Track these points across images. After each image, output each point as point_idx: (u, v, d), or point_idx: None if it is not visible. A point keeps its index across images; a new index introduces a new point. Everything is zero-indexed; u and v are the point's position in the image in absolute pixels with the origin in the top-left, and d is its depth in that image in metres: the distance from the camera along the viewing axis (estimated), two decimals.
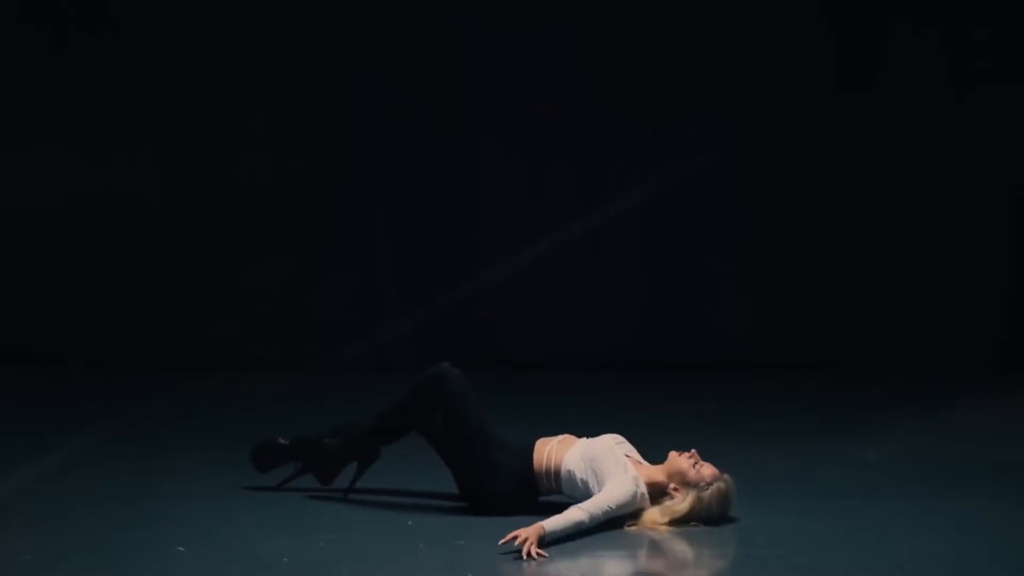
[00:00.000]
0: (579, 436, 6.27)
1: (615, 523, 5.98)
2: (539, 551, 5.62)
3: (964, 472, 7.28)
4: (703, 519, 6.03)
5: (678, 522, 5.99)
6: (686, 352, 10.72)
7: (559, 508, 5.92)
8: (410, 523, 6.07)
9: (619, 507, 5.98)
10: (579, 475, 6.11)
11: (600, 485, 6.03)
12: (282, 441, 6.48)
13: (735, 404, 9.45)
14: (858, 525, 6.13)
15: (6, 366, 10.35)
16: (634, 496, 6.02)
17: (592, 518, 5.90)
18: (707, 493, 6.02)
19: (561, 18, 10.83)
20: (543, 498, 6.22)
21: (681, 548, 5.85)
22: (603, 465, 6.06)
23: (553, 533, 5.76)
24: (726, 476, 6.10)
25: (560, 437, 6.25)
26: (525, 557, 5.58)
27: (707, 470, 6.07)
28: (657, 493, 6.08)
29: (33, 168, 10.82)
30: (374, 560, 5.56)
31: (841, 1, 10.79)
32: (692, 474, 6.05)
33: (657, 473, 6.12)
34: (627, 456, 6.16)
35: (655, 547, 5.86)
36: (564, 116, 10.83)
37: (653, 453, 6.26)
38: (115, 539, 5.78)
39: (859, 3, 10.78)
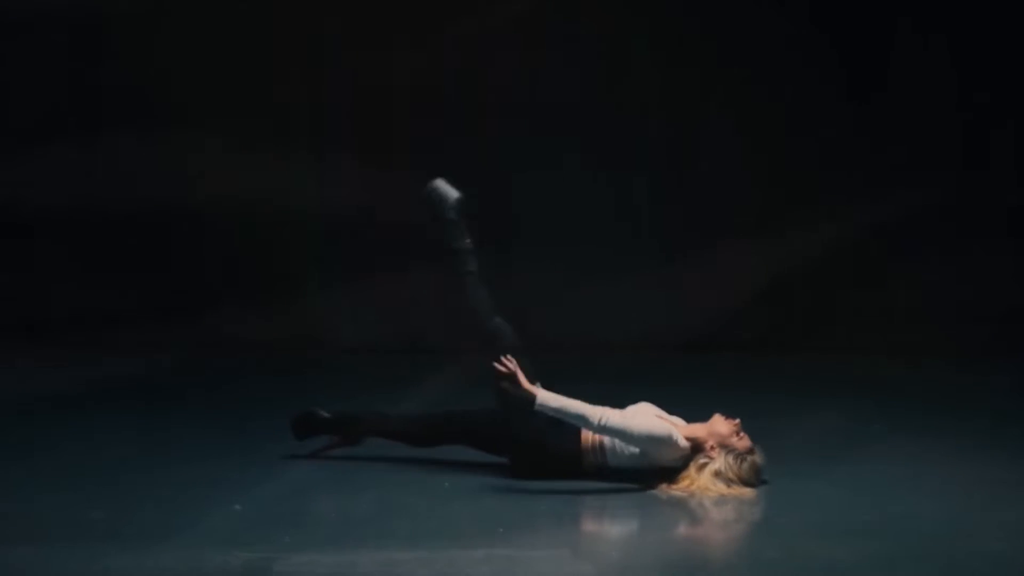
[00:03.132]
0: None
1: (657, 476, 6.35)
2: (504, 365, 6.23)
3: (959, 441, 7.69)
4: (738, 482, 6.33)
5: (714, 482, 6.28)
6: (700, 334, 11.18)
7: (590, 489, 6.37)
8: (447, 485, 6.49)
9: (648, 434, 6.28)
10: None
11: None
12: (324, 414, 6.95)
13: (742, 382, 9.79)
14: (858, 487, 6.55)
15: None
16: (670, 435, 6.30)
17: (602, 422, 6.26)
18: (745, 463, 6.32)
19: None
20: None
21: (702, 510, 6.19)
22: (639, 419, 6.37)
23: (544, 405, 6.25)
24: (758, 449, 6.41)
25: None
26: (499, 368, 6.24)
27: (744, 442, 6.39)
28: (695, 450, 6.38)
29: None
30: (413, 517, 5.98)
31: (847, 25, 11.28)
32: (733, 440, 6.37)
33: (699, 430, 6.43)
34: (663, 418, 6.50)
35: (678, 509, 6.20)
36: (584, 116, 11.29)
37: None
38: (178, 498, 6.24)
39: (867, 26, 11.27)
